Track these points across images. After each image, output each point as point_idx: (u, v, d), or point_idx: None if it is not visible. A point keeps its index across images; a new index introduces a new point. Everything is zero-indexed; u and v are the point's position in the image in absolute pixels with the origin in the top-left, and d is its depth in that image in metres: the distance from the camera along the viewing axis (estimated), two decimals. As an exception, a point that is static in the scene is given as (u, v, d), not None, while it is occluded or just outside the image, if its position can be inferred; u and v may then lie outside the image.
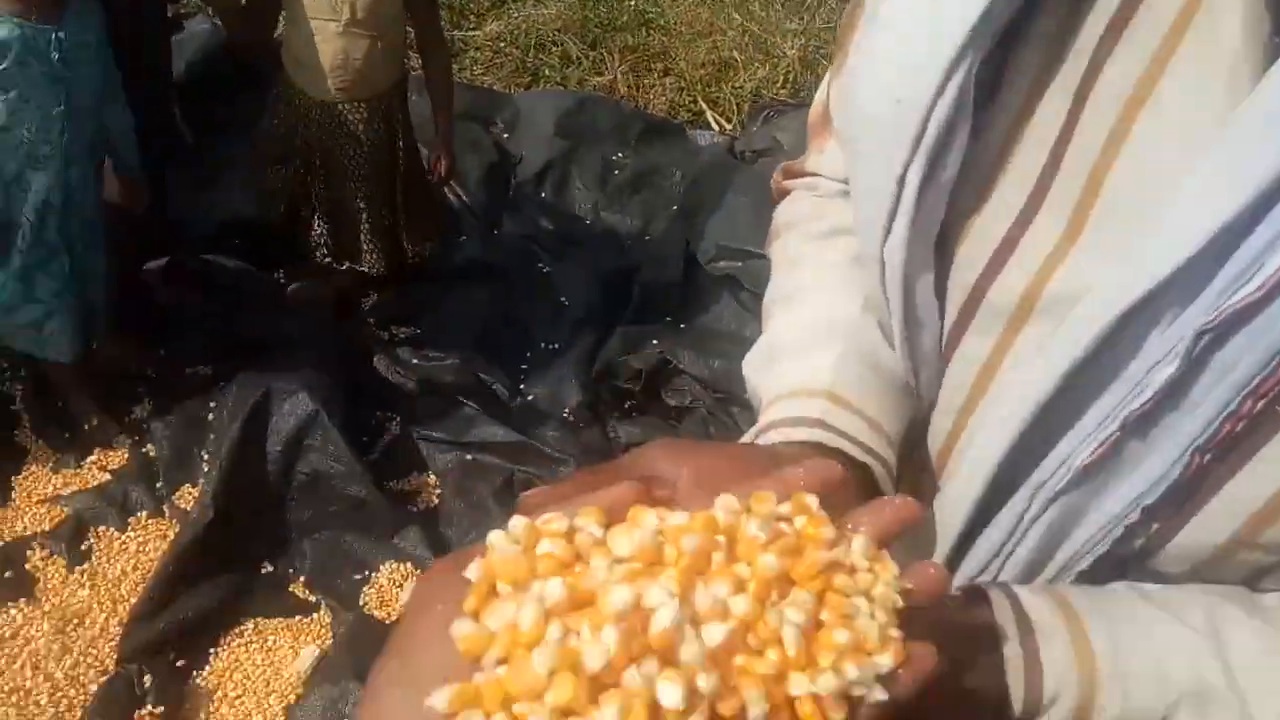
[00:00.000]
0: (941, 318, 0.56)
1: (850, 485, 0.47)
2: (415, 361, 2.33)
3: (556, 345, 2.46)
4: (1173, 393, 0.43)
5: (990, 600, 0.48)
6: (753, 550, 0.35)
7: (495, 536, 0.35)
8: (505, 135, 3.09)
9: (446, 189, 2.72)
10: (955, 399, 0.56)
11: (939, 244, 0.54)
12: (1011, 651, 0.46)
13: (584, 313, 2.52)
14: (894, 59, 0.51)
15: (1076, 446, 0.47)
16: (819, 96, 0.68)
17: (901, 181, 0.51)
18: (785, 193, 0.72)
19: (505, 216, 2.79)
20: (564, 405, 2.30)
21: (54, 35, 1.63)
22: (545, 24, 3.61)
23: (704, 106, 3.35)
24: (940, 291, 0.55)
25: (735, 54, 3.56)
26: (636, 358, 2.39)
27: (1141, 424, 0.45)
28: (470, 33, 3.54)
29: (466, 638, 0.32)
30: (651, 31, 3.73)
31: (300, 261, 2.28)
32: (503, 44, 3.51)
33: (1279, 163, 0.39)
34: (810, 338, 0.61)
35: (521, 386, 2.35)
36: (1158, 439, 0.45)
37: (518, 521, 0.35)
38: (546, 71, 3.41)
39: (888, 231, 0.52)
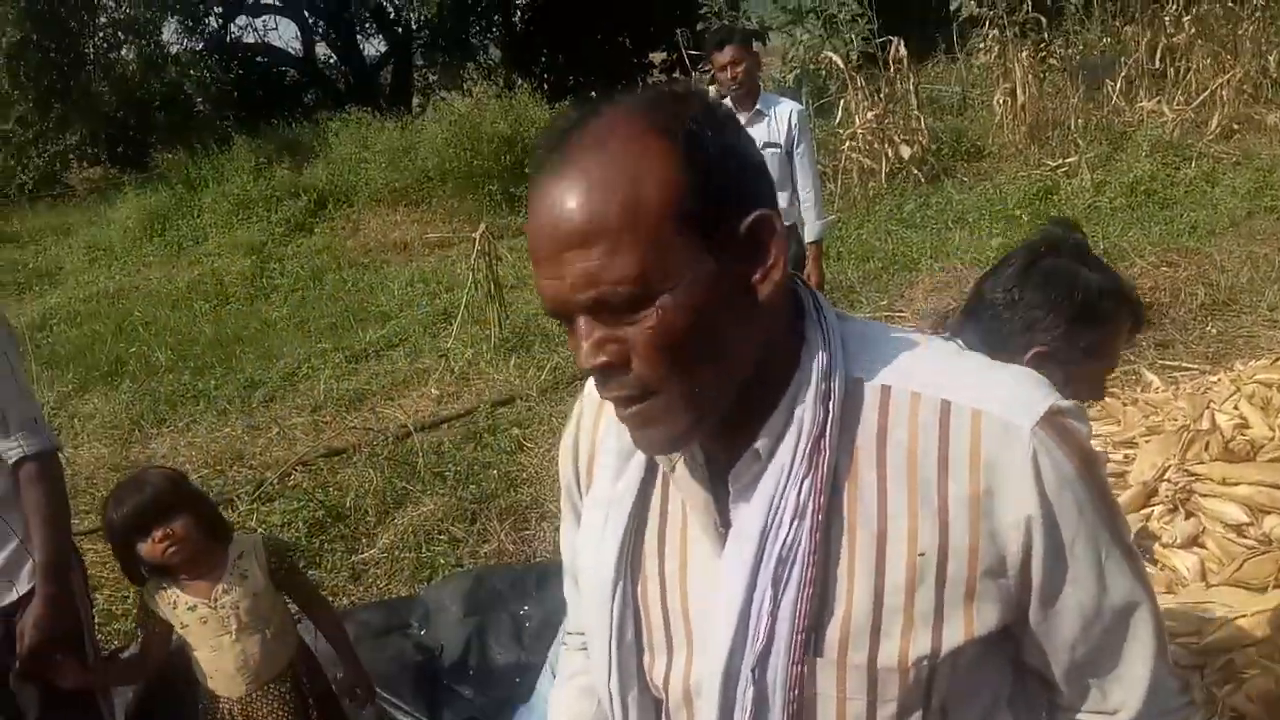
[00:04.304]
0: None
1: None
2: None
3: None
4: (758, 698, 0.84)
5: None
6: None
7: None
8: (422, 632, 3.42)
9: (383, 705, 2.99)
10: None
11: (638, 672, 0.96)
12: None
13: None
14: (588, 597, 0.96)
15: None
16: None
17: (609, 658, 0.93)
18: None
19: (445, 710, 3.05)
20: None
21: None
22: (427, 519, 4.10)
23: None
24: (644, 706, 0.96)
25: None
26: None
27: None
28: (366, 553, 3.98)
29: None
30: (520, 487, 4.28)
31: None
32: (397, 550, 3.95)
33: (743, 589, 0.83)
34: None
35: None
36: None
37: None
38: (440, 560, 3.84)
39: (609, 674, 0.94)
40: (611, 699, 0.94)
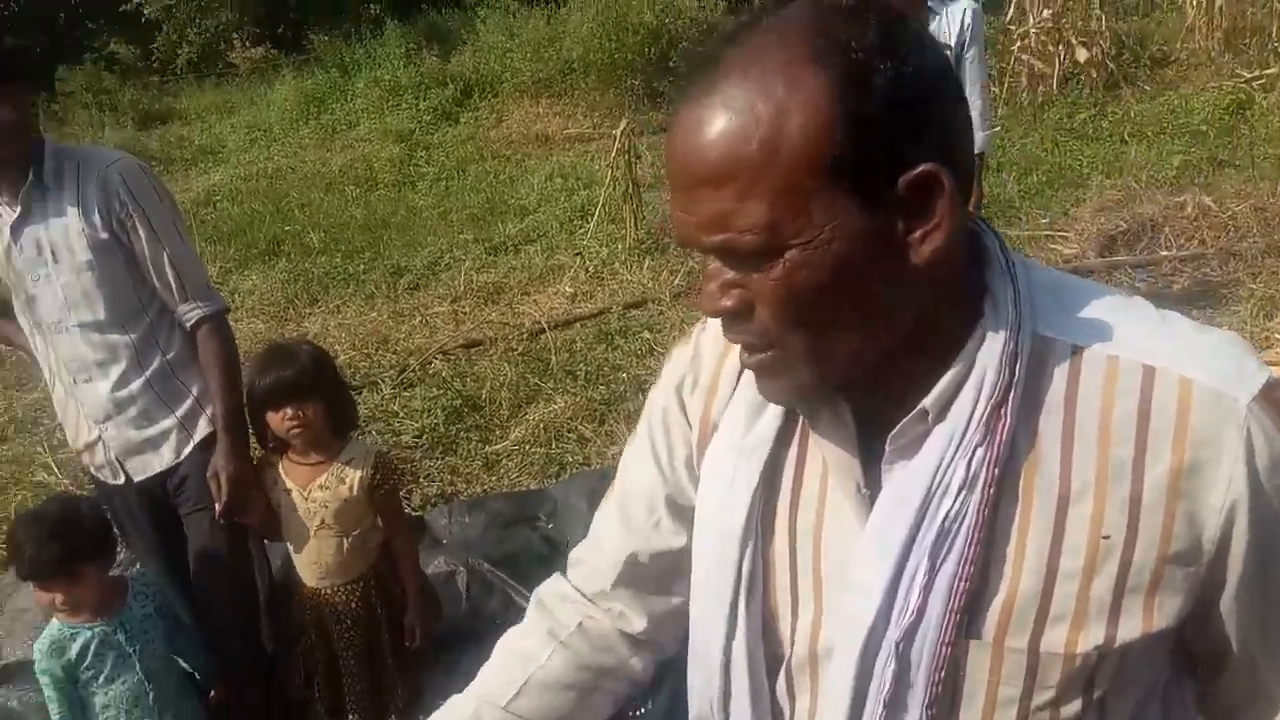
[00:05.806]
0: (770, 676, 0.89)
1: None
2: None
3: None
4: (900, 674, 0.78)
5: None
6: None
7: None
8: (550, 526, 3.52)
9: (509, 591, 3.11)
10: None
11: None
12: None
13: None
14: (706, 549, 0.91)
15: None
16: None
17: (733, 616, 0.87)
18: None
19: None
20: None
21: (119, 624, 2.08)
22: (558, 416, 4.18)
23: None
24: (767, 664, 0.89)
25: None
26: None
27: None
28: (498, 445, 4.10)
29: None
30: (649, 392, 4.29)
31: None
32: (528, 445, 4.05)
33: (894, 559, 0.76)
34: None
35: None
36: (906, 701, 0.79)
37: None
38: (568, 458, 3.91)
39: (732, 632, 0.88)
40: (730, 659, 0.87)
